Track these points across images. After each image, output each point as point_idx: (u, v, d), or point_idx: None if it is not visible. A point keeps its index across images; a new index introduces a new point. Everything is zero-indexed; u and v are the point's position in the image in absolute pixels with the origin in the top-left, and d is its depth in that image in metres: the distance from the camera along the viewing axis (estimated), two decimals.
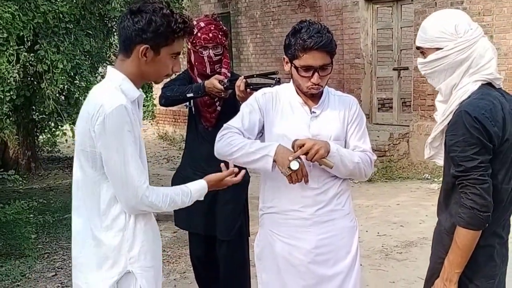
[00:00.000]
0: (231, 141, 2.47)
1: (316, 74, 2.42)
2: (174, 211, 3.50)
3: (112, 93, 2.01)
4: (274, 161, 2.39)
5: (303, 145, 2.35)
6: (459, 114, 1.97)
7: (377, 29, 9.83)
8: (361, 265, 2.71)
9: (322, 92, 2.55)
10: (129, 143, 1.98)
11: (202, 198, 2.27)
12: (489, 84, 2.05)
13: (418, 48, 2.17)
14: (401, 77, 9.71)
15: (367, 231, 5.81)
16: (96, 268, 2.08)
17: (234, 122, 2.56)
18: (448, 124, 2.05)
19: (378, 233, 5.78)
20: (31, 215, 5.39)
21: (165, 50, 2.05)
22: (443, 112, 2.09)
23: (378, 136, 9.02)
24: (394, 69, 9.68)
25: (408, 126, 9.13)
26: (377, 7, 9.81)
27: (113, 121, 1.95)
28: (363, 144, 2.59)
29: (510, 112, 2.02)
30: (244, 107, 2.61)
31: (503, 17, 7.84)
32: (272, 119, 2.54)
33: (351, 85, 10.03)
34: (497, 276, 2.10)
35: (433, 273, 2.18)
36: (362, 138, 2.61)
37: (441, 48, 2.05)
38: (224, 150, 2.49)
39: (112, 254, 2.06)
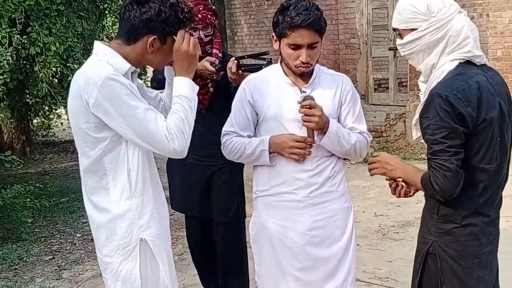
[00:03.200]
0: (231, 149, 2.58)
1: (304, 52, 2.37)
2: (170, 194, 3.50)
3: (98, 65, 2.01)
4: (271, 152, 2.47)
5: (310, 107, 2.36)
6: (431, 96, 1.95)
7: (372, 9, 9.75)
8: (358, 245, 2.72)
9: (312, 71, 2.52)
10: (133, 104, 1.96)
11: (197, 87, 2.14)
12: (469, 62, 2.01)
13: (394, 29, 2.14)
14: (397, 57, 9.66)
15: (364, 212, 5.83)
16: (108, 240, 2.12)
17: (228, 125, 2.61)
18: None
19: (375, 213, 5.80)
20: (27, 200, 5.39)
21: (171, 39, 2.07)
22: (424, 92, 2.07)
23: (374, 117, 9.01)
24: (389, 49, 9.63)
25: (405, 106, 9.11)
26: None
27: (107, 91, 1.94)
28: (359, 125, 2.57)
29: (490, 90, 1.97)
30: (234, 105, 2.62)
31: None
32: (263, 103, 2.52)
33: (346, 65, 9.99)
34: (483, 255, 2.08)
35: (418, 253, 2.19)
36: (358, 119, 2.58)
37: (416, 29, 2.02)
38: (230, 157, 2.63)
39: (123, 224, 2.09)
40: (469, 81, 1.95)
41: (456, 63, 1.99)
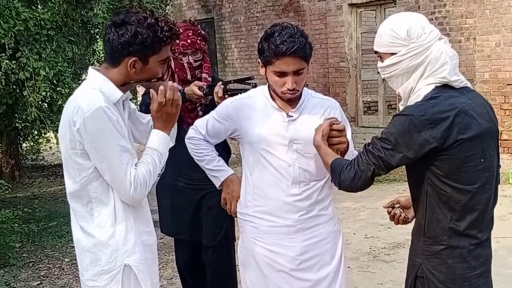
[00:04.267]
0: (194, 151, 2.71)
1: (290, 79, 2.36)
2: (160, 217, 3.48)
3: (90, 94, 2.02)
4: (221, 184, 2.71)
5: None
6: (397, 114, 2.00)
7: (361, 33, 9.87)
8: (349, 267, 2.72)
9: (300, 95, 2.51)
10: (113, 143, 2.00)
11: (172, 143, 2.24)
12: (448, 85, 2.01)
13: (375, 52, 2.16)
14: (385, 80, 9.73)
15: (354, 234, 5.81)
16: (92, 264, 2.11)
17: (201, 126, 2.69)
18: None
19: (366, 235, 5.79)
20: (16, 224, 5.35)
21: (153, 58, 2.05)
22: None
23: (364, 139, 9.04)
24: (378, 72, 9.67)
25: None
26: (361, 11, 9.86)
27: (92, 123, 1.96)
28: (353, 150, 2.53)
29: (467, 112, 1.97)
30: (212, 113, 2.67)
31: (486, 19, 7.91)
32: (248, 126, 2.52)
33: (336, 88, 10.06)
34: (473, 278, 2.05)
35: (408, 276, 2.17)
36: (351, 144, 2.55)
37: (396, 53, 2.04)
38: (191, 153, 2.73)
39: (107, 250, 2.09)
40: (442, 104, 1.95)
41: (433, 86, 2.01)
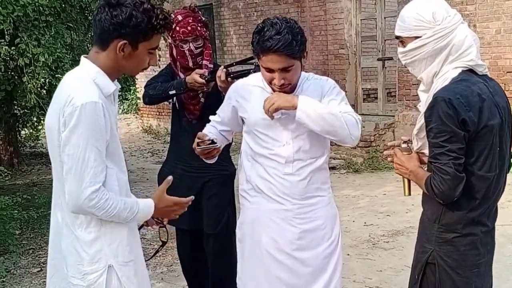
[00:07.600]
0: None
1: (277, 76, 2.35)
2: None
3: (85, 86, 1.94)
4: None
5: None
6: (435, 100, 1.96)
7: (361, 20, 9.81)
8: (348, 254, 2.73)
9: (295, 86, 2.50)
10: (93, 142, 1.89)
11: (148, 217, 2.14)
12: (471, 71, 2.03)
13: (397, 37, 2.14)
14: (385, 67, 9.72)
15: (354, 221, 5.83)
16: (77, 262, 2.02)
17: (214, 116, 2.77)
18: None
19: (365, 223, 5.80)
20: (15, 211, 5.36)
21: (143, 45, 1.99)
22: (425, 101, 2.07)
23: (363, 127, 9.03)
24: (378, 60, 9.69)
25: (394, 116, 9.15)
26: None
27: (82, 116, 1.87)
28: (343, 107, 2.48)
29: (491, 99, 2.00)
30: (225, 100, 2.72)
31: (486, 6, 7.87)
32: (244, 107, 2.56)
33: (335, 76, 10.01)
34: (481, 265, 2.09)
35: (417, 262, 2.18)
36: (342, 103, 2.50)
37: (420, 37, 2.03)
38: None
39: (91, 250, 2.00)
40: (472, 87, 1.97)
41: (459, 70, 2.01)
